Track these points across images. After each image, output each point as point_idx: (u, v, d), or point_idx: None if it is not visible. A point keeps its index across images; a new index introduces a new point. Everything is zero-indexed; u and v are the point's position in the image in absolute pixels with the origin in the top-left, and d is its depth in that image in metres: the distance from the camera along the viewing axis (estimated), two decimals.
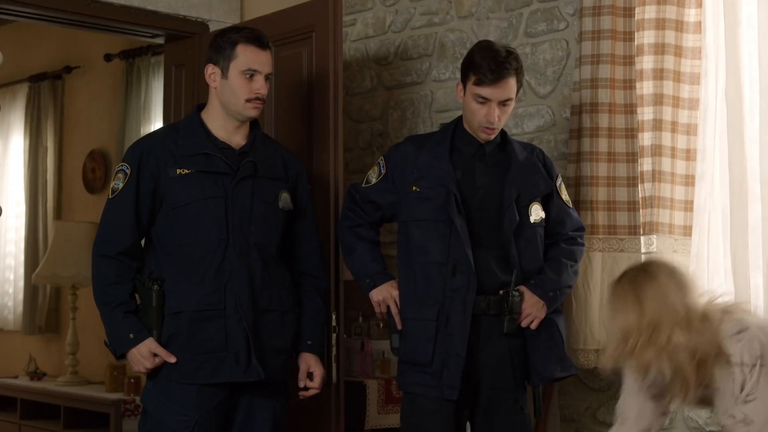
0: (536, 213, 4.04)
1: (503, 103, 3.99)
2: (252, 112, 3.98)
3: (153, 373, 3.87)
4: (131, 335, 3.81)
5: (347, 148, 5.77)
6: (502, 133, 4.13)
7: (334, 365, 4.45)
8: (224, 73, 3.96)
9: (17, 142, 8.61)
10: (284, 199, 4.06)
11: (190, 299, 3.85)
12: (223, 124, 4.00)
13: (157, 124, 7.03)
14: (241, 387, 3.92)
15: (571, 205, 4.20)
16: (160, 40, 5.73)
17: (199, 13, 5.56)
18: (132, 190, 3.88)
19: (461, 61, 5.30)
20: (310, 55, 4.69)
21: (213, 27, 5.54)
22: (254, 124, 4.08)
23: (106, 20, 5.31)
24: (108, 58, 7.73)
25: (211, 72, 3.99)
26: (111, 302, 3.85)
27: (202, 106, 4.08)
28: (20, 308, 8.38)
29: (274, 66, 4.84)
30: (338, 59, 4.61)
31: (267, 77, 3.99)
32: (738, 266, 4.31)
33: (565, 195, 4.19)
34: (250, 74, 3.94)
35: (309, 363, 4.10)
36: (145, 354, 3.82)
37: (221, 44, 3.98)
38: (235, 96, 3.95)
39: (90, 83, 8.06)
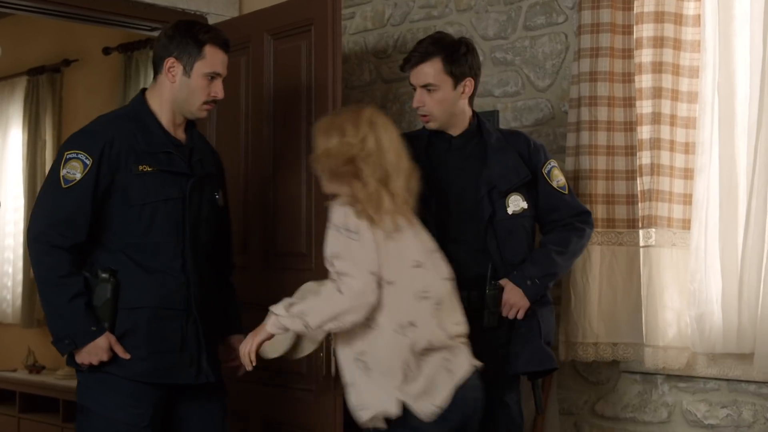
0: (515, 204, 3.96)
1: (426, 89, 3.97)
2: (204, 114, 3.95)
3: (95, 368, 3.74)
4: (93, 328, 3.70)
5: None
6: (479, 123, 4.08)
7: (332, 358, 4.44)
8: (186, 70, 3.86)
9: (16, 135, 8.62)
10: (221, 196, 4.08)
11: (150, 296, 3.79)
12: (171, 119, 3.91)
13: None
14: (183, 388, 3.89)
15: (566, 191, 4.11)
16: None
17: (197, 6, 5.56)
18: (91, 183, 3.72)
19: None
20: (308, 49, 4.69)
21: (212, 20, 5.54)
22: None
23: (105, 13, 5.31)
24: (106, 51, 7.73)
25: (171, 66, 3.87)
26: (68, 293, 3.68)
27: (136, 98, 3.97)
28: (19, 301, 8.38)
29: (273, 59, 4.87)
30: (337, 53, 4.60)
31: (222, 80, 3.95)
32: (727, 260, 4.31)
33: (557, 181, 4.08)
34: (212, 77, 3.88)
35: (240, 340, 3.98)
36: (105, 347, 3.70)
37: (188, 41, 3.86)
38: (193, 96, 3.87)
39: (88, 76, 8.06)
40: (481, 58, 5.21)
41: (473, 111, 4.13)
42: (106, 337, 3.71)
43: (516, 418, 4.03)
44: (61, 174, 3.72)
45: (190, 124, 4.00)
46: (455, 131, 4.08)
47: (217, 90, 3.91)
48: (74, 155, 3.74)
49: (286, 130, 4.77)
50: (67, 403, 7.08)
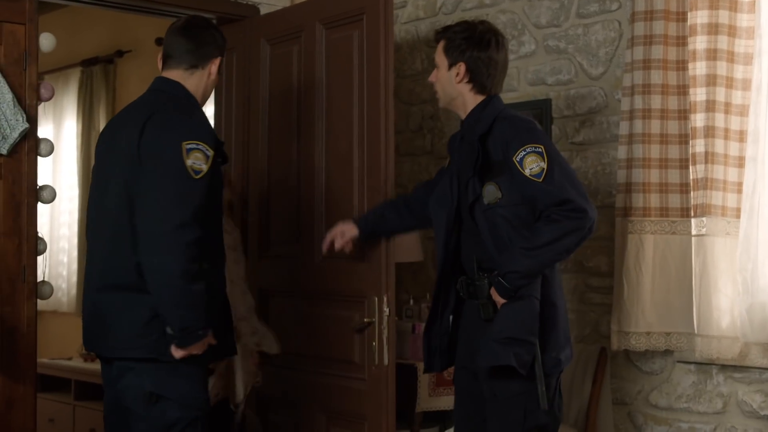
0: (489, 194, 3.84)
1: (435, 67, 4.06)
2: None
3: (164, 357, 3.76)
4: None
5: (398, 130, 5.77)
6: (480, 109, 4.01)
7: (385, 347, 4.45)
8: (221, 70, 4.06)
9: (70, 126, 8.69)
10: None
11: (222, 278, 3.92)
12: None
13: (209, 107, 7.05)
14: None
15: (542, 179, 3.77)
16: None
17: None
18: (210, 176, 3.76)
19: (512, 42, 5.29)
20: (360, 38, 4.69)
21: (264, 10, 5.55)
22: None
23: (158, 4, 5.33)
24: (159, 41, 7.74)
25: (219, 65, 4.04)
26: (203, 285, 3.71)
27: (176, 85, 4.02)
28: (74, 290, 8.45)
29: (325, 48, 4.88)
30: (389, 42, 4.59)
31: None
32: None
33: (530, 169, 3.79)
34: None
35: None
36: (211, 336, 3.79)
37: (221, 38, 4.07)
38: (209, 91, 4.06)
39: (141, 67, 8.10)
40: (533, 46, 5.22)
41: (483, 102, 4.03)
42: None
43: (509, 410, 3.86)
44: (188, 165, 3.71)
45: None
46: (462, 117, 4.08)
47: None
48: (194, 146, 3.74)
49: (339, 119, 4.78)
50: None
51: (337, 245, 4.35)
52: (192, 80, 3.98)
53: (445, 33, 4.05)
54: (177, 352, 3.72)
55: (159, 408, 3.78)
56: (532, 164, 3.79)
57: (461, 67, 3.97)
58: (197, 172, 3.72)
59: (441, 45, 4.03)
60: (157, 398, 3.78)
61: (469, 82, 3.98)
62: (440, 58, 4.03)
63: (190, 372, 3.81)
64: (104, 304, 3.83)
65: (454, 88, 4.02)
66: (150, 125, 3.80)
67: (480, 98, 3.99)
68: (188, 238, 3.64)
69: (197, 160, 3.72)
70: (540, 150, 3.79)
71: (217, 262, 3.89)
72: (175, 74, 4.00)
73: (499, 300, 3.79)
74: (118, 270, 3.78)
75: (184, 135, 3.76)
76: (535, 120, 4.01)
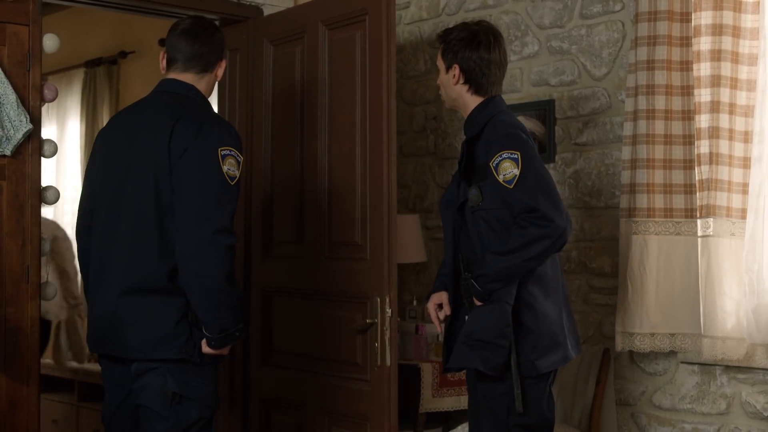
0: (472, 197, 3.89)
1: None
2: None
3: (203, 357, 3.82)
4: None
5: (401, 131, 5.77)
6: (478, 111, 4.02)
7: (387, 348, 4.45)
8: (226, 71, 4.13)
9: (73, 126, 8.69)
10: None
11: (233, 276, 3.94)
12: None
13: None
14: None
15: (513, 185, 3.77)
16: None
17: None
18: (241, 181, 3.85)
19: (515, 43, 5.29)
20: (363, 38, 4.69)
21: (267, 11, 5.55)
22: None
23: (161, 5, 5.33)
24: (163, 42, 7.72)
25: (224, 67, 4.10)
26: (239, 288, 3.81)
27: (192, 89, 4.03)
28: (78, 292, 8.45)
29: (328, 49, 4.88)
30: (391, 43, 4.59)
31: None
32: None
33: (504, 175, 3.81)
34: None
35: None
36: None
37: (223, 40, 4.11)
38: (212, 89, 4.10)
39: (145, 68, 8.11)
40: (536, 47, 5.22)
41: (483, 103, 4.02)
42: None
43: (494, 410, 3.88)
44: (225, 170, 3.75)
45: None
46: (465, 118, 4.12)
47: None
48: (228, 152, 3.78)
49: (341, 119, 4.78)
50: None
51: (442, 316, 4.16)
52: (202, 83, 4.02)
53: (443, 37, 4.09)
54: (208, 352, 3.80)
55: (182, 408, 3.81)
56: (506, 170, 3.81)
57: (456, 69, 4.00)
58: (232, 178, 3.77)
59: (440, 49, 4.08)
60: (180, 398, 3.82)
61: (465, 83, 4.00)
62: (440, 62, 4.09)
63: (210, 372, 3.87)
64: (128, 307, 3.83)
65: (453, 90, 4.04)
66: (180, 129, 3.80)
67: (479, 99, 4.01)
68: (228, 242, 3.71)
69: (231, 166, 3.77)
70: (515, 156, 3.79)
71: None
72: (186, 77, 4.01)
73: (476, 302, 3.83)
74: (144, 274, 3.79)
75: (220, 141, 3.79)
76: (523, 126, 3.98)
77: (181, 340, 3.77)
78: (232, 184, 3.77)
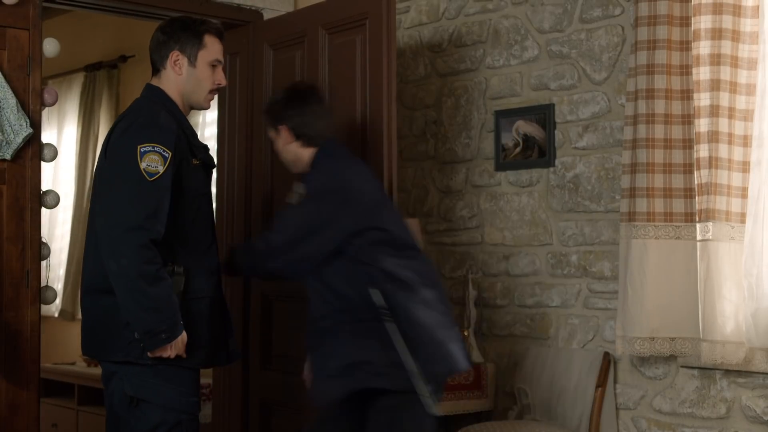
0: None
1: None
2: (209, 104, 4.08)
3: (160, 360, 3.76)
4: (181, 322, 3.75)
5: (401, 135, 5.77)
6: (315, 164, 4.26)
7: None
8: (191, 61, 3.98)
9: (71, 131, 8.68)
10: None
11: (208, 285, 3.91)
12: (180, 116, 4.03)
13: (211, 113, 7.05)
14: None
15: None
16: None
17: (253, 2, 5.57)
18: (170, 177, 3.76)
19: (515, 47, 5.29)
20: (363, 43, 4.69)
21: (267, 15, 5.55)
22: None
23: (162, 9, 5.33)
24: None
25: (176, 59, 3.98)
26: (167, 286, 3.70)
27: (154, 89, 4.03)
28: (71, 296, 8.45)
29: (328, 53, 4.88)
30: (392, 47, 4.60)
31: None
32: None
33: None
34: (214, 65, 4.01)
35: None
36: (185, 340, 3.77)
37: (187, 34, 3.98)
38: (200, 86, 3.99)
39: (145, 72, 7.98)
40: (536, 51, 5.23)
41: (315, 153, 4.21)
42: (183, 329, 3.78)
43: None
44: (142, 167, 3.72)
45: None
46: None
47: (220, 78, 4.05)
48: (150, 148, 3.75)
49: (341, 123, 4.78)
50: None
51: None
52: (162, 82, 4.01)
53: (266, 110, 4.31)
54: (151, 355, 3.75)
55: (140, 411, 3.79)
56: None
57: (283, 130, 4.18)
58: (152, 175, 3.72)
59: (266, 121, 4.28)
60: (137, 402, 3.79)
61: (300, 141, 4.18)
62: (272, 134, 4.25)
63: (173, 375, 3.80)
64: (90, 308, 3.90)
65: (288, 153, 4.23)
66: (115, 132, 3.88)
67: (306, 154, 4.21)
68: (141, 240, 3.66)
69: (153, 162, 3.73)
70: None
71: (196, 266, 3.87)
72: (153, 80, 4.06)
73: None
74: (98, 274, 3.81)
75: (139, 138, 3.77)
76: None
77: (127, 342, 3.75)
78: (151, 180, 3.71)
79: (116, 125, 3.90)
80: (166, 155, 3.75)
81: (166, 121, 3.87)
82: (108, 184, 3.79)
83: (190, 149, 3.90)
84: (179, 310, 3.74)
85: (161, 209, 3.73)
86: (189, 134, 3.95)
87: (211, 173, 4.10)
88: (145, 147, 3.74)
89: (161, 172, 3.73)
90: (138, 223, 3.67)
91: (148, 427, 3.78)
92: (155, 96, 3.98)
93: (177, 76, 3.98)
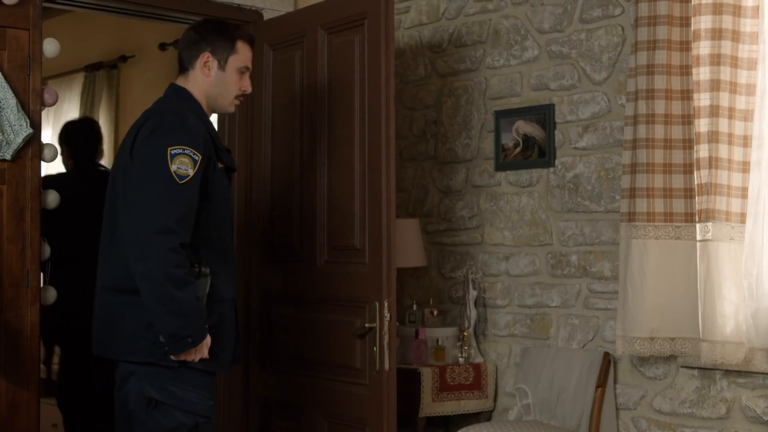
0: None
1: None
2: (233, 108, 4.09)
3: (181, 363, 3.77)
4: (207, 325, 3.76)
5: (401, 135, 5.78)
6: None
7: (386, 353, 4.45)
8: (221, 64, 3.97)
9: None
10: None
11: (230, 288, 3.93)
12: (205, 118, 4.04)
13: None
14: None
15: None
16: None
17: (253, 2, 5.57)
18: (199, 180, 3.76)
19: (515, 47, 5.29)
20: (362, 43, 4.69)
21: (267, 15, 5.55)
22: None
23: (161, 9, 5.33)
24: (162, 47, 7.78)
25: (207, 61, 3.97)
26: (194, 291, 3.70)
27: (179, 90, 4.02)
28: None
29: (328, 53, 4.88)
30: (390, 46, 4.60)
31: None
32: None
33: None
34: (243, 71, 4.01)
35: None
36: (209, 344, 3.78)
37: (221, 36, 3.98)
38: (227, 90, 3.99)
39: (145, 72, 8.12)
40: (536, 51, 5.24)
41: None
42: (208, 333, 3.79)
43: None
44: (173, 170, 3.72)
45: None
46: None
47: (247, 84, 4.05)
48: (180, 151, 3.74)
49: (341, 123, 4.78)
50: None
51: None
52: (189, 83, 4.01)
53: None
54: (175, 358, 3.76)
55: (158, 413, 3.78)
56: None
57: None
58: (182, 177, 3.72)
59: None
60: (156, 403, 3.79)
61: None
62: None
63: (192, 379, 3.81)
64: (110, 307, 3.87)
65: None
66: (141, 133, 3.83)
67: None
68: (171, 243, 3.65)
69: (183, 165, 3.72)
70: None
71: (221, 269, 3.89)
72: (179, 80, 4.05)
73: None
74: (118, 273, 3.81)
75: (169, 140, 3.76)
76: None
77: (151, 342, 3.75)
78: (181, 183, 3.72)
79: (141, 126, 3.86)
80: (196, 158, 3.75)
81: (194, 123, 3.88)
82: (136, 185, 3.75)
83: (216, 153, 3.90)
84: (205, 313, 3.76)
85: (190, 213, 3.75)
86: (214, 137, 3.95)
87: (232, 177, 4.10)
88: (175, 149, 3.74)
89: (191, 175, 3.73)
90: (167, 226, 3.67)
91: (166, 429, 3.79)
92: (181, 97, 3.98)
93: (205, 78, 3.98)
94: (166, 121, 3.83)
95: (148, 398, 3.78)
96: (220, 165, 3.90)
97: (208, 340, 3.77)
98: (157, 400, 3.78)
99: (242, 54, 4.01)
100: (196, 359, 3.76)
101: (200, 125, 3.88)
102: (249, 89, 4.06)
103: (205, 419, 3.83)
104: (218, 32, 3.99)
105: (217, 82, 3.98)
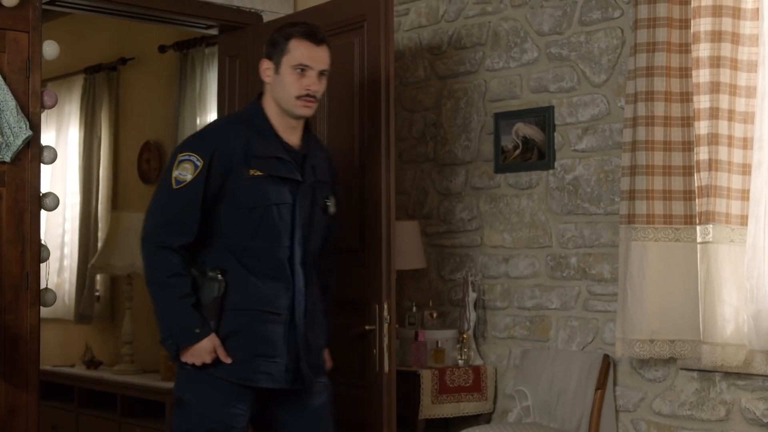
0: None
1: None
2: (302, 110, 3.94)
3: (197, 368, 3.81)
4: (197, 330, 3.77)
5: (401, 137, 5.78)
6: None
7: (385, 355, 4.45)
8: (277, 68, 3.93)
9: (73, 133, 8.69)
10: (332, 203, 4.09)
11: (254, 299, 3.85)
12: (280, 122, 3.96)
13: (211, 114, 7.06)
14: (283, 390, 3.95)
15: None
16: (214, 31, 5.76)
17: (252, 4, 5.58)
18: (201, 185, 3.79)
19: (514, 50, 5.29)
20: (361, 45, 4.69)
21: (267, 17, 5.56)
22: (306, 123, 4.05)
23: (161, 12, 5.34)
24: (162, 49, 7.78)
25: (266, 67, 3.97)
26: (175, 294, 3.76)
27: (256, 97, 4.06)
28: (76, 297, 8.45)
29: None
30: (389, 49, 4.60)
31: (321, 73, 3.96)
32: None
33: None
34: (301, 69, 3.91)
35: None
36: (208, 349, 3.78)
37: (276, 39, 3.96)
38: (285, 92, 3.92)
39: (145, 75, 8.12)
40: (535, 53, 5.24)
41: None
42: (210, 339, 3.79)
43: None
44: (174, 175, 3.81)
45: (307, 129, 4.05)
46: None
47: (308, 83, 3.93)
48: (186, 157, 3.82)
49: (340, 125, 4.78)
50: (124, 398, 7.14)
51: None
52: (266, 92, 4.01)
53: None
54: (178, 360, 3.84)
55: (181, 412, 3.88)
56: None
57: None
58: (179, 182, 3.79)
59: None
60: (180, 402, 3.88)
61: None
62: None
63: (207, 382, 3.83)
64: None
65: None
66: None
67: None
68: (150, 248, 3.79)
69: (184, 170, 3.79)
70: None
71: (245, 278, 3.86)
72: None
73: None
74: None
75: (182, 147, 3.89)
76: None
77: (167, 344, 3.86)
78: (176, 188, 3.79)
79: None
80: (198, 164, 3.79)
81: (216, 130, 3.95)
82: None
83: (246, 160, 3.85)
84: (195, 317, 3.77)
85: (184, 216, 3.80)
86: (255, 145, 3.88)
87: (291, 184, 3.94)
88: (183, 156, 3.84)
89: (188, 180, 3.78)
90: (152, 229, 3.79)
91: (182, 429, 3.85)
92: (248, 105, 4.07)
93: (268, 84, 3.98)
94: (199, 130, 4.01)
95: (176, 398, 3.90)
96: (252, 172, 3.86)
97: (205, 345, 3.77)
98: (180, 399, 3.88)
99: (296, 52, 3.91)
100: (197, 363, 3.79)
101: (225, 132, 3.92)
102: (313, 88, 3.93)
103: (224, 426, 3.82)
104: (273, 35, 3.99)
105: (276, 85, 3.94)
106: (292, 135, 3.99)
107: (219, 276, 3.81)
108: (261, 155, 3.88)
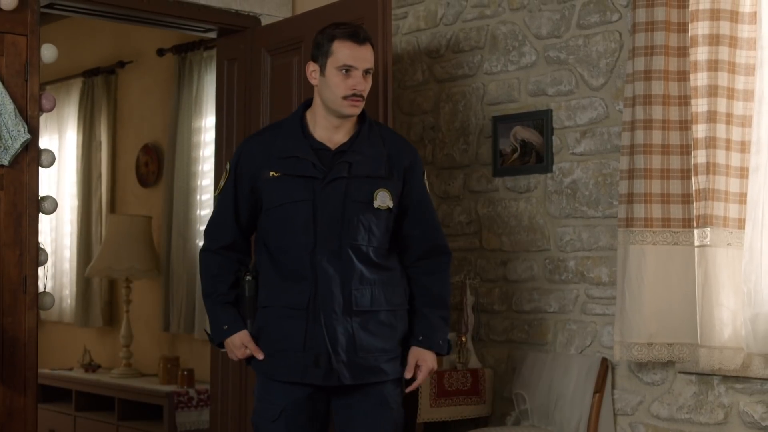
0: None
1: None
2: (350, 109, 3.94)
3: (256, 364, 4.01)
4: (225, 326, 3.97)
5: None
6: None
7: None
8: (322, 70, 3.95)
9: (71, 136, 8.69)
10: (381, 197, 4.01)
11: (277, 295, 3.93)
12: (324, 123, 3.98)
13: (209, 118, 7.06)
14: (337, 387, 3.94)
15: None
16: (213, 35, 5.76)
17: (251, 7, 5.58)
18: (231, 189, 4.00)
19: (513, 53, 5.29)
20: None
21: (265, 21, 5.56)
22: (362, 118, 4.04)
23: (159, 15, 5.34)
24: (160, 52, 7.78)
25: (312, 70, 4.00)
26: (212, 293, 4.01)
27: (309, 103, 4.07)
28: (75, 301, 8.45)
29: None
30: (387, 52, 4.61)
31: (367, 72, 3.96)
32: None
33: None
34: (346, 70, 3.92)
35: (418, 356, 4.05)
36: (237, 344, 3.96)
37: (320, 41, 3.98)
38: (332, 93, 3.92)
39: (143, 78, 8.12)
40: (533, 57, 5.24)
41: None
42: (239, 336, 3.98)
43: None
44: (219, 184, 4.13)
45: (361, 125, 4.04)
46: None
47: (354, 83, 3.92)
48: (227, 167, 4.07)
49: None
50: (122, 401, 7.14)
51: None
52: (314, 94, 4.05)
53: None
54: None
55: (255, 401, 4.09)
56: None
57: None
58: (217, 190, 4.12)
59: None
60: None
61: None
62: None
63: (257, 379, 4.04)
64: None
65: None
66: None
67: None
68: (200, 251, 4.10)
69: (223, 179, 4.06)
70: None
71: (269, 277, 3.96)
72: None
73: None
74: None
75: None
76: None
77: None
78: (216, 194, 4.14)
79: None
80: (228, 170, 4.03)
81: (249, 138, 4.19)
82: None
83: (270, 162, 3.94)
84: (231, 314, 3.98)
85: (221, 219, 4.05)
86: (279, 147, 3.96)
87: (311, 181, 3.93)
88: (228, 165, 4.09)
89: (221, 186, 4.05)
90: (204, 236, 4.13)
91: (252, 420, 4.06)
92: (298, 109, 4.12)
93: (315, 87, 4.01)
94: None
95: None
96: (272, 173, 3.93)
97: (234, 341, 3.97)
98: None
99: (339, 53, 3.92)
100: (232, 358, 4.04)
101: (256, 137, 4.11)
102: (359, 87, 3.92)
103: (259, 419, 3.97)
104: (316, 37, 4.01)
105: (322, 87, 3.96)
106: (335, 134, 4.00)
107: (248, 277, 3.98)
108: (281, 156, 3.94)
